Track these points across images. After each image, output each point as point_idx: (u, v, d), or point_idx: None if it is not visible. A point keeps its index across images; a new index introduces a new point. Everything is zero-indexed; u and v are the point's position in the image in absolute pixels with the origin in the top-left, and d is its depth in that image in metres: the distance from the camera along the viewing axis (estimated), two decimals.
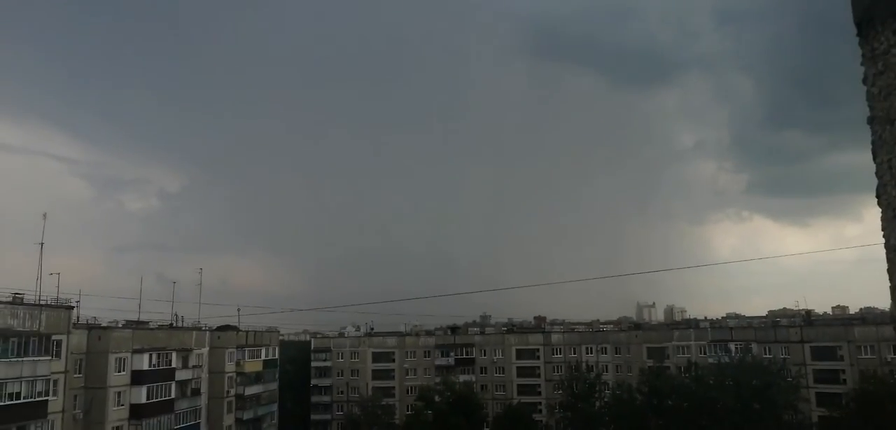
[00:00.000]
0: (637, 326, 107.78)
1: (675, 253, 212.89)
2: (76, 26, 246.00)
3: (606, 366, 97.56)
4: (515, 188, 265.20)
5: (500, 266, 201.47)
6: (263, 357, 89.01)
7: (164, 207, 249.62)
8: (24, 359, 48.46)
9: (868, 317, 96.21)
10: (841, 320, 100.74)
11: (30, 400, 48.59)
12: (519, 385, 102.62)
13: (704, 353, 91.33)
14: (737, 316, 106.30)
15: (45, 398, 50.02)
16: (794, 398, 73.63)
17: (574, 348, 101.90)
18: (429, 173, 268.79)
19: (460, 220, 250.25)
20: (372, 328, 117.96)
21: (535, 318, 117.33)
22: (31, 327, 49.51)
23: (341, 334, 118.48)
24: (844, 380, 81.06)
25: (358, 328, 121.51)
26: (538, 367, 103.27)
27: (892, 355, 78.65)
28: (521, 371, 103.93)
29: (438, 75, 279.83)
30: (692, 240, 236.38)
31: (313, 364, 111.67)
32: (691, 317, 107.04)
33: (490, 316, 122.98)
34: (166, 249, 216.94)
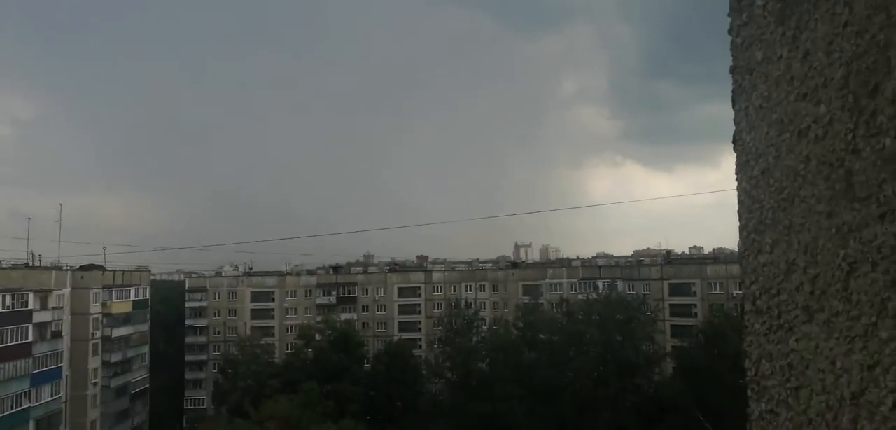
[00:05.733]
0: (514, 264, 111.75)
1: (554, 196, 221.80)
2: None
3: (484, 303, 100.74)
4: (395, 131, 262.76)
5: (382, 208, 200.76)
6: (133, 297, 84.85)
7: (16, 136, 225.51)
8: None
9: (720, 256, 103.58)
10: (696, 259, 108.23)
11: None
12: (400, 323, 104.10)
13: (575, 290, 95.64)
14: (606, 256, 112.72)
15: None
16: (651, 331, 79.47)
17: (454, 286, 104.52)
18: (309, 114, 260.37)
19: (341, 160, 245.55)
20: (251, 268, 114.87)
21: (417, 257, 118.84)
22: None
23: (218, 274, 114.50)
24: (696, 314, 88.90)
25: (236, 268, 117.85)
26: (419, 304, 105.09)
27: (738, 291, 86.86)
28: (403, 309, 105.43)
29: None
30: (570, 183, 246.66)
31: (188, 305, 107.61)
32: (565, 256, 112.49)
33: (373, 255, 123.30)
34: (20, 183, 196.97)
